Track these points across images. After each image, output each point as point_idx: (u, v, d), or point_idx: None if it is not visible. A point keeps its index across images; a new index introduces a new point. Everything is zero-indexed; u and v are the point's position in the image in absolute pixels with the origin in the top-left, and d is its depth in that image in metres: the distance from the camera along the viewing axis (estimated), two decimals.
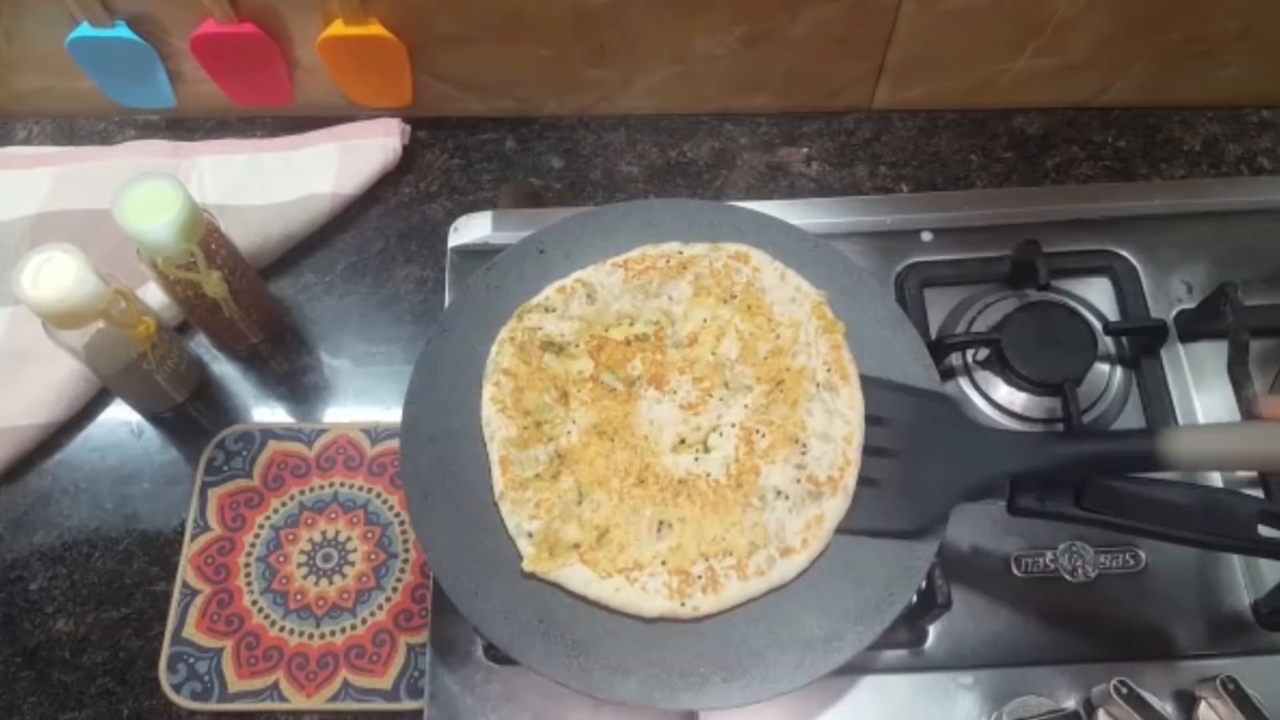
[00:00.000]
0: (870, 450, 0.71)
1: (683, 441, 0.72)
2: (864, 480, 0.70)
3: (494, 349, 0.75)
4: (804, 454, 0.70)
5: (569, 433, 0.72)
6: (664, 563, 0.68)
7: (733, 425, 0.72)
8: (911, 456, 0.70)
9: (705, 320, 0.76)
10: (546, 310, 0.76)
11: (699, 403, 0.73)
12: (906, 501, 0.69)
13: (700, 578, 0.67)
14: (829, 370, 0.73)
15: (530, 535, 0.69)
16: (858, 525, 0.69)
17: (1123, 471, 0.65)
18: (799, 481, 0.70)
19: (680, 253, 0.78)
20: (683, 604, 0.67)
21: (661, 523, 0.69)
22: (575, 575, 0.68)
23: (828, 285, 0.77)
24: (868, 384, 0.73)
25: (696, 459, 0.71)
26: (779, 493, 0.69)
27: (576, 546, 0.68)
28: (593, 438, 0.72)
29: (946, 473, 0.68)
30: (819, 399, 0.72)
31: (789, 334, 0.74)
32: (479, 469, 0.73)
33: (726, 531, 0.69)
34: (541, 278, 0.79)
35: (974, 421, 0.73)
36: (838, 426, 0.71)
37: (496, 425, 0.72)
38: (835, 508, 0.69)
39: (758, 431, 0.72)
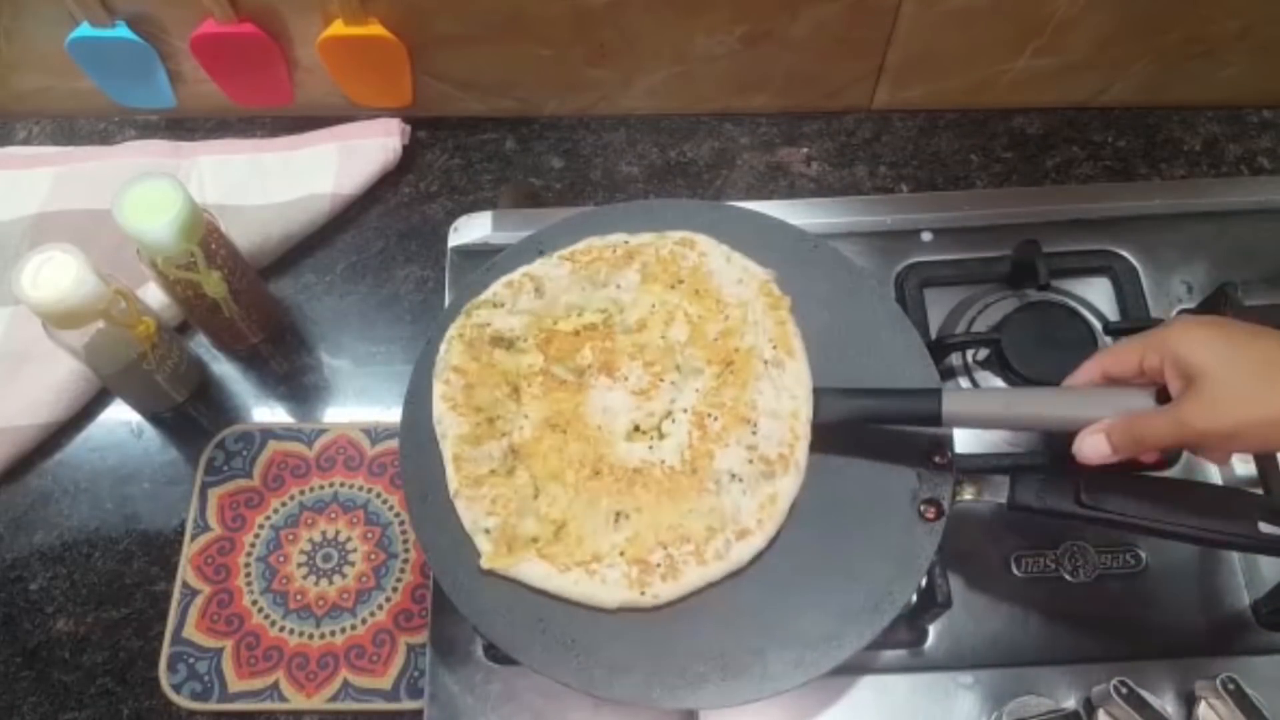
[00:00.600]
0: None
1: (637, 429, 0.72)
2: None
3: (443, 346, 0.75)
4: (754, 434, 0.70)
5: (521, 428, 0.72)
6: (622, 553, 0.68)
7: (685, 410, 0.72)
8: None
9: (654, 306, 0.75)
10: (495, 306, 0.76)
11: (650, 388, 0.73)
12: None
13: (659, 565, 0.67)
14: (775, 347, 0.73)
15: (487, 532, 0.69)
16: None
17: (910, 424, 0.70)
18: (751, 462, 0.70)
19: (626, 242, 0.78)
20: (642, 593, 0.66)
21: (618, 513, 0.69)
22: (534, 570, 0.67)
23: (827, 285, 0.77)
24: None
25: (651, 447, 0.71)
26: (733, 475, 0.69)
27: (534, 541, 0.68)
28: (545, 431, 0.72)
29: None
30: (767, 377, 0.72)
31: (737, 314, 0.75)
32: None
33: (683, 518, 0.69)
34: None
35: None
36: (785, 403, 0.71)
37: (448, 423, 0.72)
38: (788, 485, 0.69)
39: (710, 415, 0.71)
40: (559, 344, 0.74)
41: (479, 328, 0.75)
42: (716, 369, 0.73)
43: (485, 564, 0.68)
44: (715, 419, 0.71)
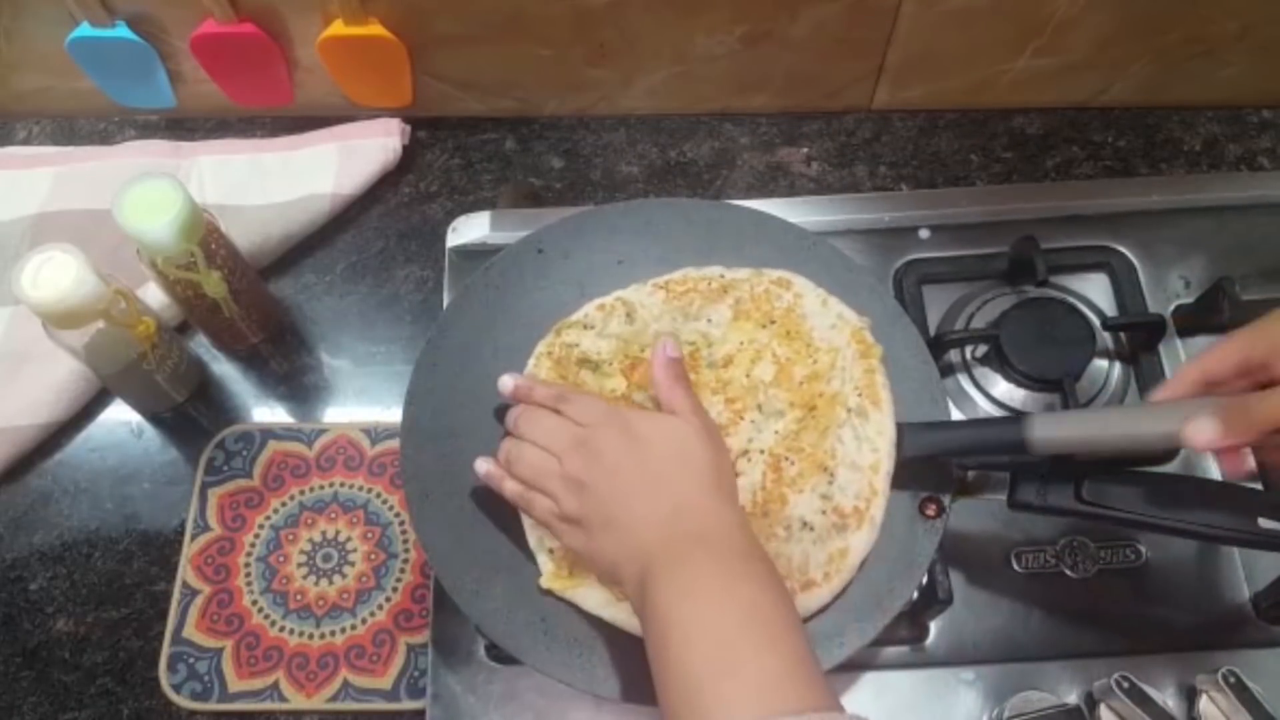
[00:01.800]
0: None
1: None
2: None
3: (531, 362, 0.75)
4: (831, 484, 0.69)
5: None
6: None
7: (762, 451, 0.71)
8: None
9: (742, 343, 0.75)
10: (585, 327, 0.76)
11: (729, 424, 0.72)
12: None
13: None
14: (860, 395, 0.71)
15: (551, 552, 0.69)
16: None
17: (995, 454, 0.68)
18: (824, 513, 0.68)
19: (722, 276, 0.77)
20: None
21: None
22: (591, 597, 0.67)
23: (826, 283, 0.77)
24: None
25: None
26: (805, 524, 0.68)
27: None
28: None
29: None
30: (849, 425, 0.70)
31: (826, 359, 0.73)
32: None
33: None
34: (540, 277, 0.79)
35: None
36: (865, 455, 0.69)
37: None
38: (861, 541, 0.68)
39: (787, 459, 0.70)
40: (643, 371, 0.73)
41: (568, 347, 0.75)
42: (799, 413, 0.72)
43: (545, 584, 0.68)
44: (792, 463, 0.70)
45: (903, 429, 0.70)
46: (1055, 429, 0.65)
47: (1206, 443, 0.58)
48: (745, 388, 0.73)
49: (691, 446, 0.62)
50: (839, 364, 0.73)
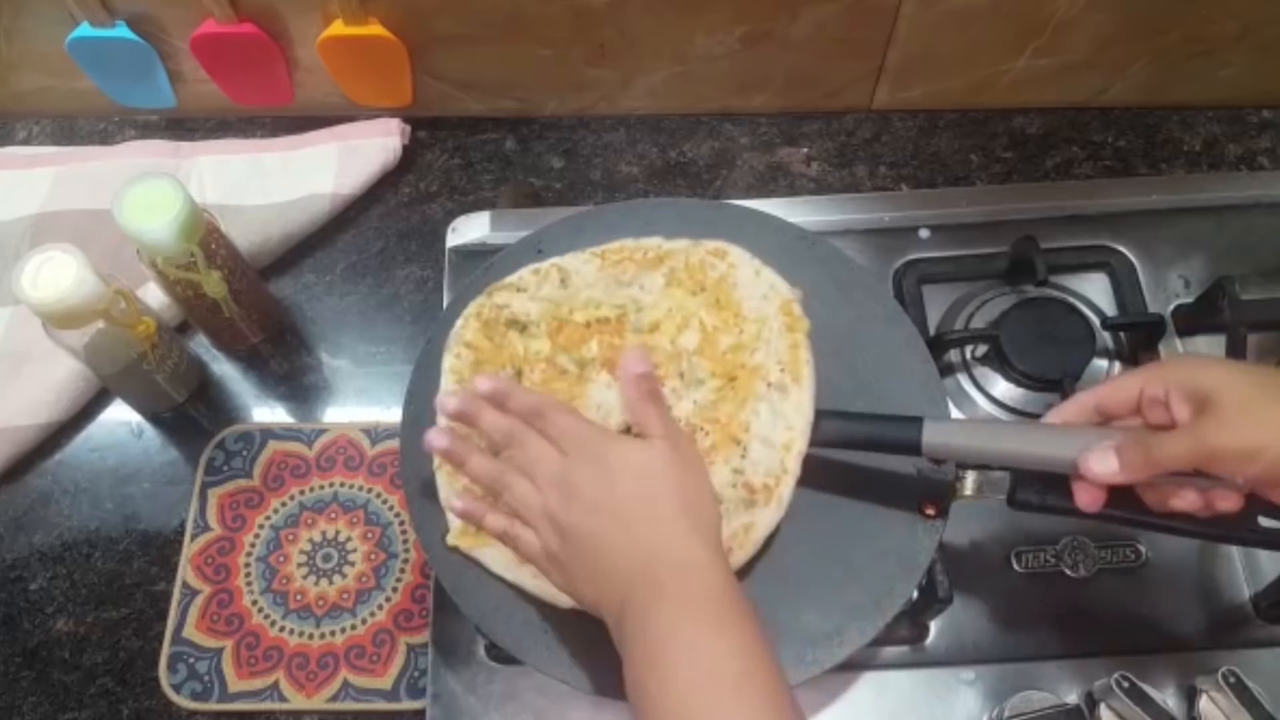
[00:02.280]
0: None
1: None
2: None
3: (459, 321, 0.75)
4: (743, 458, 0.68)
5: None
6: None
7: (679, 420, 0.69)
8: None
9: (670, 309, 0.73)
10: (518, 290, 0.76)
11: None
12: None
13: None
14: (782, 370, 0.70)
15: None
16: None
17: (890, 452, 0.67)
18: (734, 486, 0.67)
19: (660, 246, 0.77)
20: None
21: None
22: (496, 558, 0.67)
23: (825, 282, 0.77)
24: None
25: None
26: (714, 496, 0.67)
27: None
28: None
29: None
30: (766, 399, 0.69)
31: (752, 329, 0.72)
32: None
33: None
34: None
35: None
36: (780, 432, 0.68)
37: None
38: (767, 518, 0.67)
39: (701, 429, 0.69)
40: (569, 333, 0.73)
41: (497, 308, 0.75)
42: (719, 383, 0.71)
43: (450, 540, 0.68)
44: (706, 434, 0.69)
45: (819, 415, 0.69)
46: (947, 436, 0.64)
47: (1103, 476, 0.58)
48: (669, 355, 0.71)
49: (660, 478, 0.60)
50: (764, 335, 0.71)
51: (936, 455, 0.64)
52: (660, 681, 0.54)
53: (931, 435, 0.64)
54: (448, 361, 0.73)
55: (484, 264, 0.79)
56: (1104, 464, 0.58)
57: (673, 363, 0.72)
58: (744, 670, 0.54)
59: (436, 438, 0.65)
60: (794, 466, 0.67)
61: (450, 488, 0.69)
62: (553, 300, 0.75)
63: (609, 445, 0.62)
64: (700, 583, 0.57)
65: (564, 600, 0.65)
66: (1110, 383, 0.62)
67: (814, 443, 0.68)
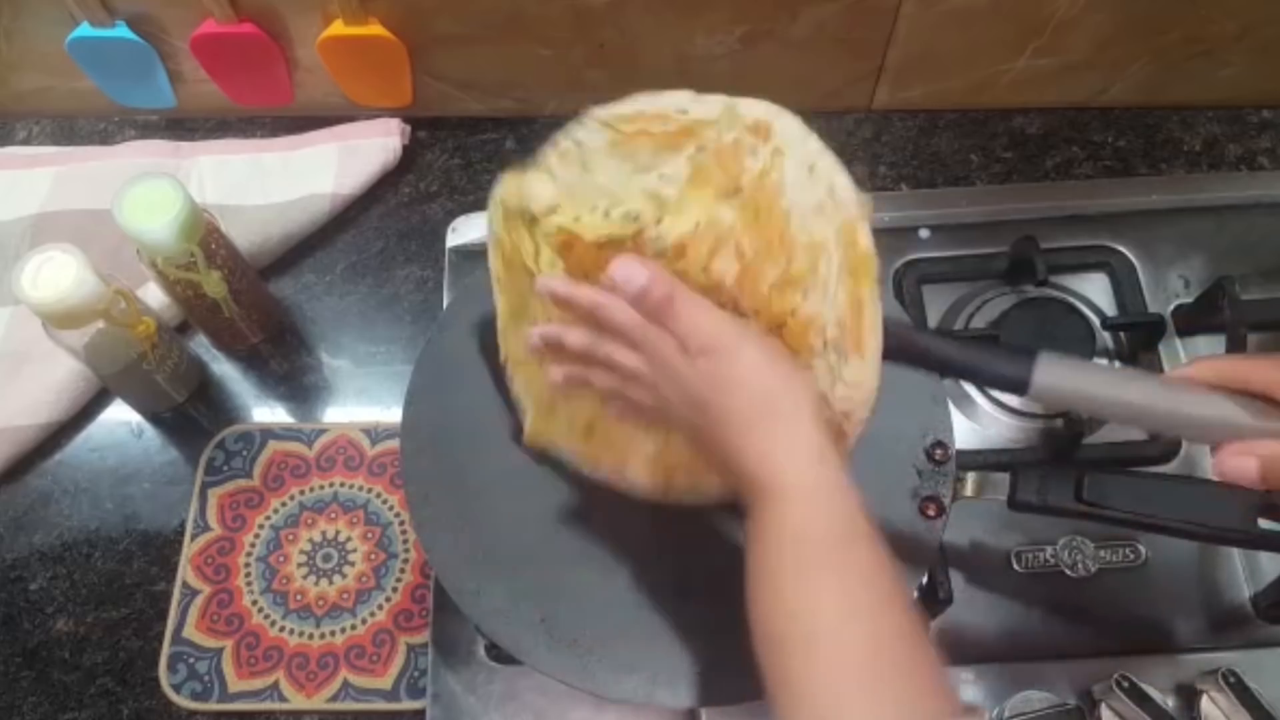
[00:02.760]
0: None
1: None
2: None
3: (490, 209, 0.65)
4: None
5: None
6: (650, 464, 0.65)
7: None
8: None
9: (699, 224, 0.56)
10: (540, 170, 0.63)
11: None
12: None
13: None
14: (841, 330, 0.57)
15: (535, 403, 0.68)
16: None
17: (989, 385, 0.61)
18: None
19: (685, 112, 0.60)
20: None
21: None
22: (573, 454, 0.67)
23: None
24: None
25: None
26: None
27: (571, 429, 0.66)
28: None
29: None
30: (822, 357, 0.57)
31: (803, 261, 0.56)
32: (480, 468, 0.73)
33: None
34: None
35: None
36: (838, 392, 0.57)
37: (496, 293, 0.67)
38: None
39: None
40: (580, 254, 0.59)
41: (518, 197, 0.62)
42: (762, 327, 0.57)
43: (528, 436, 0.67)
44: None
45: (896, 325, 0.59)
46: (1063, 378, 0.56)
47: (1239, 478, 0.52)
48: (702, 287, 0.56)
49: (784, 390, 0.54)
50: (820, 271, 0.56)
51: (1046, 399, 0.57)
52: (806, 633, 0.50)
53: (1044, 375, 0.56)
54: (491, 254, 0.66)
55: (484, 264, 0.79)
56: (1241, 469, 0.52)
57: (708, 297, 0.56)
58: (884, 622, 0.50)
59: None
60: (852, 440, 0.59)
61: (517, 386, 0.66)
62: (568, 186, 0.60)
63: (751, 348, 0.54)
64: (827, 511, 0.52)
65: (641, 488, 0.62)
66: (1256, 361, 0.54)
67: (909, 360, 0.60)
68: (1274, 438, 0.52)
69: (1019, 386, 0.56)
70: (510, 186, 0.62)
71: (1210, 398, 0.54)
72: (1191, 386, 0.55)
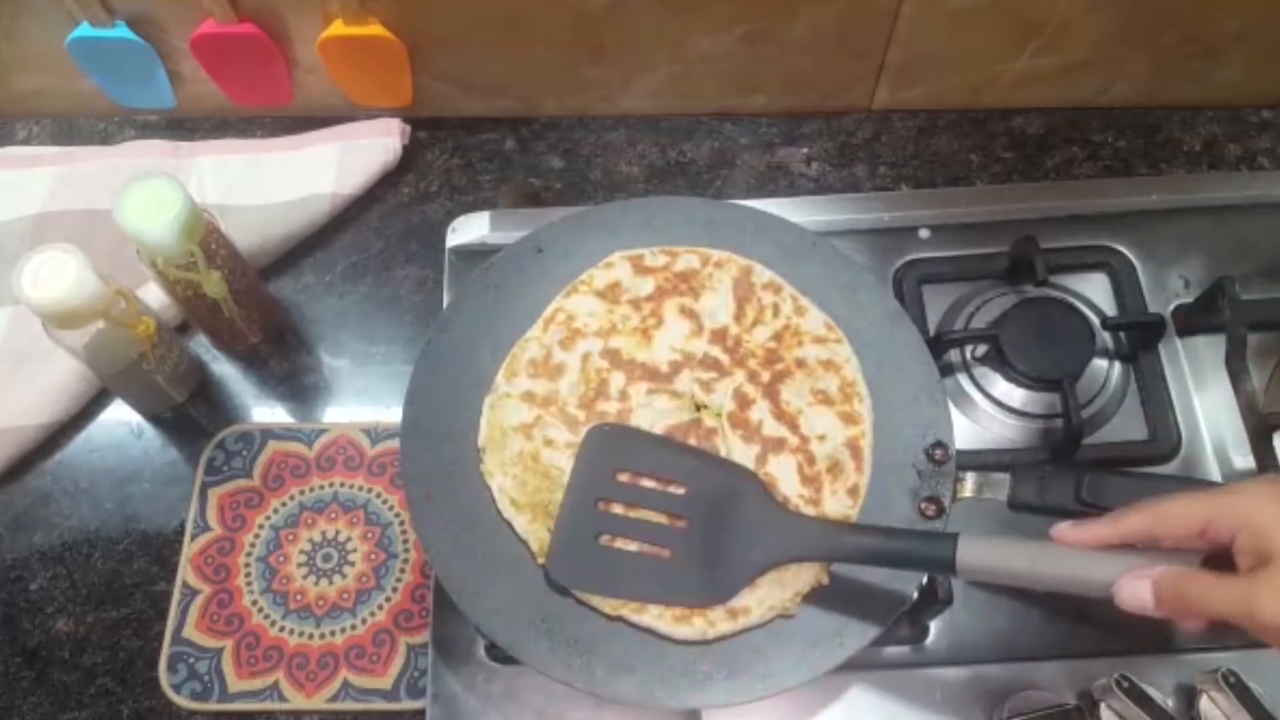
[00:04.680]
0: (668, 513, 0.69)
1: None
2: (661, 547, 0.68)
3: (487, 403, 0.74)
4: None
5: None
6: None
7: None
8: (708, 528, 0.68)
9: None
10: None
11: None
12: (699, 574, 0.67)
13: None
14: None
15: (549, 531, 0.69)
16: (650, 595, 0.67)
17: (915, 570, 0.65)
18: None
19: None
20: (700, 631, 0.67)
21: None
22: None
23: (826, 282, 0.77)
24: (673, 450, 0.71)
25: None
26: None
27: None
28: None
29: (741, 550, 0.67)
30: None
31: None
32: (479, 468, 0.73)
33: None
34: (540, 277, 0.79)
35: (772, 502, 0.68)
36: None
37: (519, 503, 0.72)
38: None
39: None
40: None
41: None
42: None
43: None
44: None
45: (824, 525, 0.67)
46: (981, 556, 0.60)
47: (1133, 608, 0.55)
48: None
49: None
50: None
51: (970, 575, 0.61)
52: None
53: (966, 555, 0.59)
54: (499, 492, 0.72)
55: (484, 264, 0.79)
56: (1137, 599, 0.54)
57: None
58: None
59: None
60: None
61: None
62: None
63: None
64: None
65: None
66: (1172, 505, 0.55)
67: (836, 559, 0.67)
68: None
69: (947, 568, 0.60)
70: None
71: (1103, 557, 0.56)
72: (1085, 552, 0.57)
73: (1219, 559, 0.54)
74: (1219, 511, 0.53)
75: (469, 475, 0.73)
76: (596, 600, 0.68)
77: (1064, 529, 0.58)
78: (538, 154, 1.02)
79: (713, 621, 0.67)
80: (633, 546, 0.69)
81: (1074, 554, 0.57)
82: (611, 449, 0.71)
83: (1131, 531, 0.56)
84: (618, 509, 0.70)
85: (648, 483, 0.70)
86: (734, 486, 0.69)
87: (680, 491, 0.70)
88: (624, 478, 0.70)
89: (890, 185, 0.99)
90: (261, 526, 0.85)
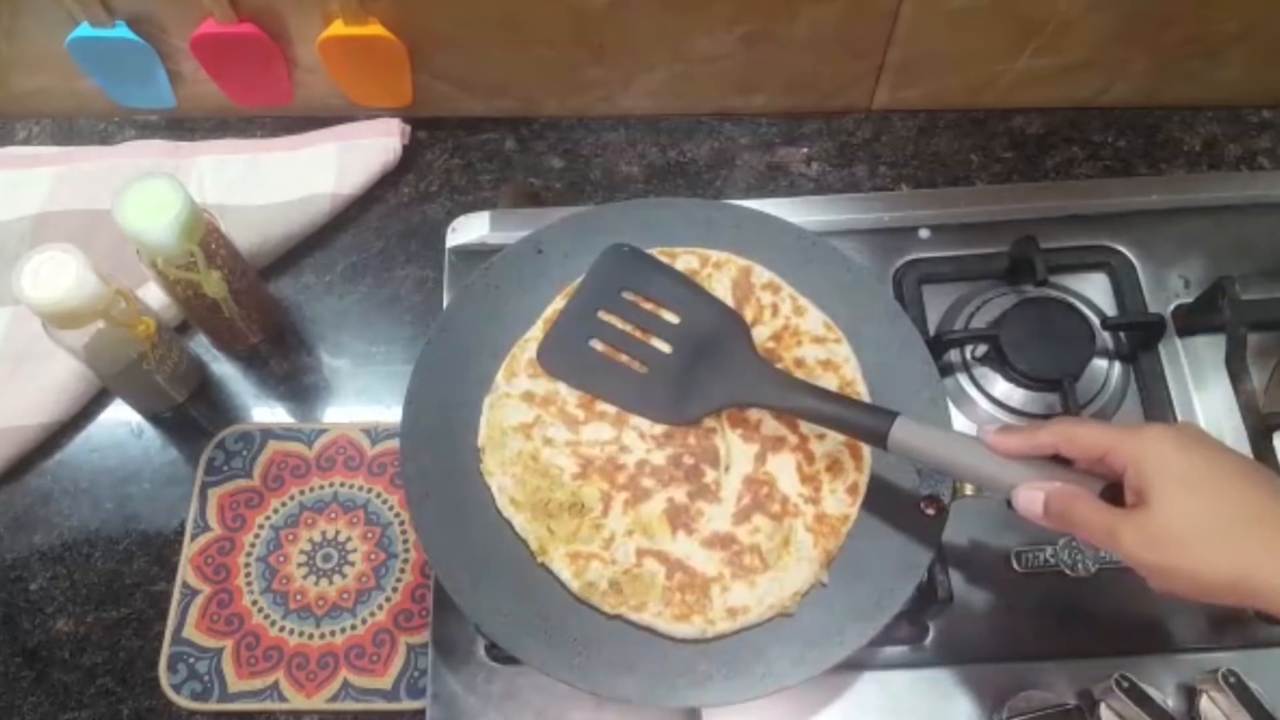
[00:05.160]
0: (658, 336, 0.76)
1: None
2: (642, 363, 0.75)
3: (486, 403, 0.75)
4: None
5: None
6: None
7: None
8: (689, 357, 0.74)
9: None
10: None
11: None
12: (669, 393, 0.74)
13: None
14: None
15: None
16: (620, 400, 0.74)
17: (853, 437, 0.69)
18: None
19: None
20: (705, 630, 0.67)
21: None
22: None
23: (825, 282, 0.77)
24: (678, 281, 0.77)
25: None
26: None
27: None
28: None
29: (711, 382, 0.73)
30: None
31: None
32: (479, 469, 0.73)
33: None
34: (539, 277, 0.79)
35: (751, 349, 0.74)
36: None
37: (514, 492, 0.73)
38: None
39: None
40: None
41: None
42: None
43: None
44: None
45: (799, 384, 0.71)
46: (913, 438, 0.64)
47: (1025, 515, 0.60)
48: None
49: None
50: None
51: (899, 452, 0.64)
52: None
53: (899, 431, 0.64)
54: (498, 484, 0.73)
55: (484, 264, 0.79)
56: (1029, 507, 0.60)
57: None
58: None
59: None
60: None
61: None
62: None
63: None
64: None
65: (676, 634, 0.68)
66: (1082, 431, 0.60)
67: (787, 410, 0.71)
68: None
69: (880, 440, 0.64)
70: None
71: (1018, 464, 0.61)
72: (1029, 461, 0.61)
73: (1116, 490, 0.58)
74: (1117, 445, 0.57)
75: (469, 475, 0.73)
76: (596, 599, 0.68)
77: (989, 432, 0.62)
78: (538, 154, 1.02)
79: (712, 620, 0.67)
80: (622, 358, 0.75)
81: (991, 459, 0.62)
82: (624, 268, 0.78)
83: (1043, 445, 0.60)
84: (615, 322, 0.76)
85: (647, 306, 0.77)
86: (723, 326, 0.75)
87: (674, 320, 0.76)
88: (629, 296, 0.77)
89: (890, 185, 0.99)
90: (261, 526, 0.85)
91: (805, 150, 1.01)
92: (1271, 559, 0.52)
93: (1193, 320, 0.84)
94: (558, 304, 0.78)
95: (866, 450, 0.72)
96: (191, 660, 0.80)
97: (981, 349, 0.83)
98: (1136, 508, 0.56)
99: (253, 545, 0.84)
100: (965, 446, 0.63)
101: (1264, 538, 0.53)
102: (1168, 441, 0.56)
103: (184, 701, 0.79)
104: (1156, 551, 0.55)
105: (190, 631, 0.81)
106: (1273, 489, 0.55)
